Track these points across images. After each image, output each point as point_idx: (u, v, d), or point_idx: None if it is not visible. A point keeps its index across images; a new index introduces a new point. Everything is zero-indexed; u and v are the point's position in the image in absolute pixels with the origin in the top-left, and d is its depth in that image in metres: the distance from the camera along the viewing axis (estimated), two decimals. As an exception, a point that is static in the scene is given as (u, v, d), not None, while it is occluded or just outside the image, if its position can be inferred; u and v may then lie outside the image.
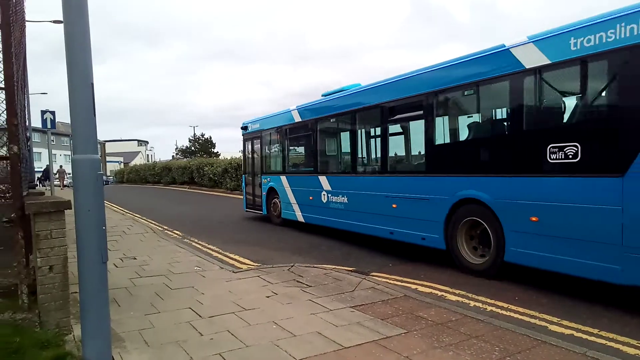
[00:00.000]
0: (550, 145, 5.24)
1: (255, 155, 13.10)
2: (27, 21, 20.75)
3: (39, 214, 4.10)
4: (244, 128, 13.58)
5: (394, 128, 7.88)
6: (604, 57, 4.79)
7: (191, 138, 68.79)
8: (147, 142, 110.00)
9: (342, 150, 9.51)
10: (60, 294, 4.18)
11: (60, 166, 48.96)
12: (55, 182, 25.60)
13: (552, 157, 5.23)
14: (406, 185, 7.39)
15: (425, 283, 6.27)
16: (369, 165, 8.66)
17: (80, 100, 3.53)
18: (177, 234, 10.95)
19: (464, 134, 6.69)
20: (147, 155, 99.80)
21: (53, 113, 13.75)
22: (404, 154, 7.94)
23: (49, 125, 13.90)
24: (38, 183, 35.11)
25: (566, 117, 5.34)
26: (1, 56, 4.21)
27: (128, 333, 4.32)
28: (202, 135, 65.90)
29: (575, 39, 5.01)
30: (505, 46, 5.82)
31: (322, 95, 10.10)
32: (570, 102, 5.34)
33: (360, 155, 8.82)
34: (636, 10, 4.51)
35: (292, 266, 6.92)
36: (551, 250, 5.29)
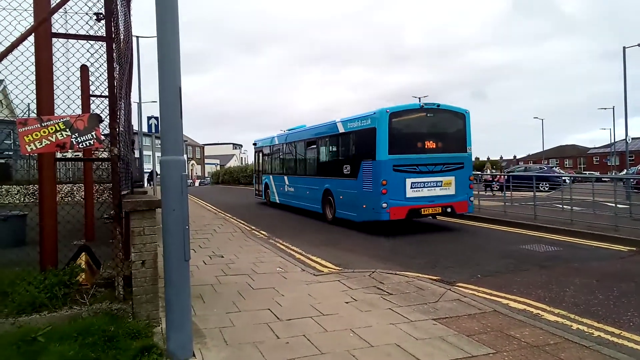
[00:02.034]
0: (344, 166, 11.76)
1: (259, 162, 20.01)
2: (137, 36, 22.78)
3: (133, 211, 4.39)
4: (254, 144, 20.70)
5: (306, 152, 14.65)
6: (353, 133, 11.38)
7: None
8: (242, 146, 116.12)
9: (292, 162, 16.19)
10: (150, 288, 4.43)
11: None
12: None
13: (344, 171, 11.76)
14: (310, 182, 14.02)
15: (518, 298, 5.72)
16: (299, 171, 15.38)
17: (169, 103, 3.70)
18: (263, 234, 11.30)
19: (324, 158, 13.43)
20: (241, 158, 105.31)
21: (157, 119, 15.01)
22: (309, 165, 14.50)
23: (153, 130, 15.23)
24: (147, 183, 38.60)
25: (348, 154, 11.74)
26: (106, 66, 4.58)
27: (209, 330, 4.45)
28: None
29: (349, 123, 11.64)
30: (335, 121, 12.56)
31: (287, 130, 17.42)
32: (350, 148, 11.74)
33: (297, 165, 15.68)
34: (361, 116, 11.25)
35: (373, 272, 6.73)
36: (346, 210, 11.68)
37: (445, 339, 4.21)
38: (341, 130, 12.18)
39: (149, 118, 15.65)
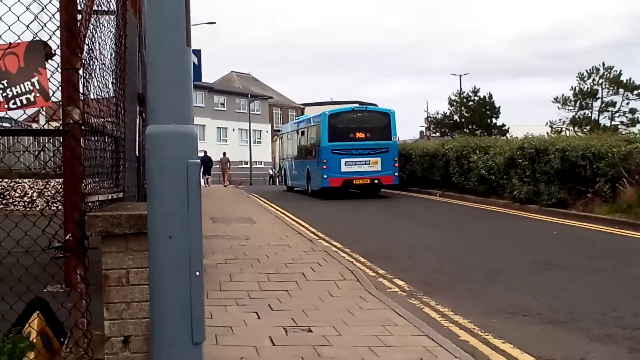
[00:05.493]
0: (312, 151, 43.23)
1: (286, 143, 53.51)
2: None
3: (108, 236, 4.34)
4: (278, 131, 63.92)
5: (301, 139, 46.95)
6: (315, 126, 42.54)
7: (454, 97, 70.54)
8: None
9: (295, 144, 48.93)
10: (140, 392, 4.37)
11: (224, 154, 58.56)
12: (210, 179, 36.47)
13: (310, 155, 43.95)
14: (299, 164, 46.77)
15: None
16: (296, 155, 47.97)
17: (163, 19, 3.60)
18: (398, 284, 11.25)
19: (305, 145, 46.20)
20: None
21: (198, 53, 15.30)
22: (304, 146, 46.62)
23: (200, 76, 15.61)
24: (203, 180, 46.48)
25: (312, 143, 44.07)
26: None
27: None
28: (476, 91, 67.26)
29: (315, 118, 43.39)
30: (309, 115, 49.46)
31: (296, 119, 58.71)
32: (314, 138, 43.02)
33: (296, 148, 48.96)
34: (318, 115, 42.47)
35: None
36: (294, 181, 48.17)
37: None
38: (312, 124, 37.19)
39: (194, 53, 16.21)
